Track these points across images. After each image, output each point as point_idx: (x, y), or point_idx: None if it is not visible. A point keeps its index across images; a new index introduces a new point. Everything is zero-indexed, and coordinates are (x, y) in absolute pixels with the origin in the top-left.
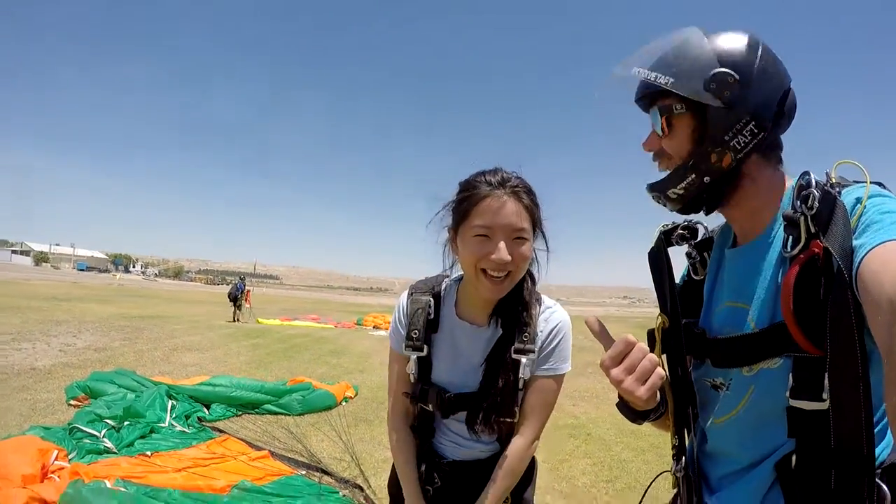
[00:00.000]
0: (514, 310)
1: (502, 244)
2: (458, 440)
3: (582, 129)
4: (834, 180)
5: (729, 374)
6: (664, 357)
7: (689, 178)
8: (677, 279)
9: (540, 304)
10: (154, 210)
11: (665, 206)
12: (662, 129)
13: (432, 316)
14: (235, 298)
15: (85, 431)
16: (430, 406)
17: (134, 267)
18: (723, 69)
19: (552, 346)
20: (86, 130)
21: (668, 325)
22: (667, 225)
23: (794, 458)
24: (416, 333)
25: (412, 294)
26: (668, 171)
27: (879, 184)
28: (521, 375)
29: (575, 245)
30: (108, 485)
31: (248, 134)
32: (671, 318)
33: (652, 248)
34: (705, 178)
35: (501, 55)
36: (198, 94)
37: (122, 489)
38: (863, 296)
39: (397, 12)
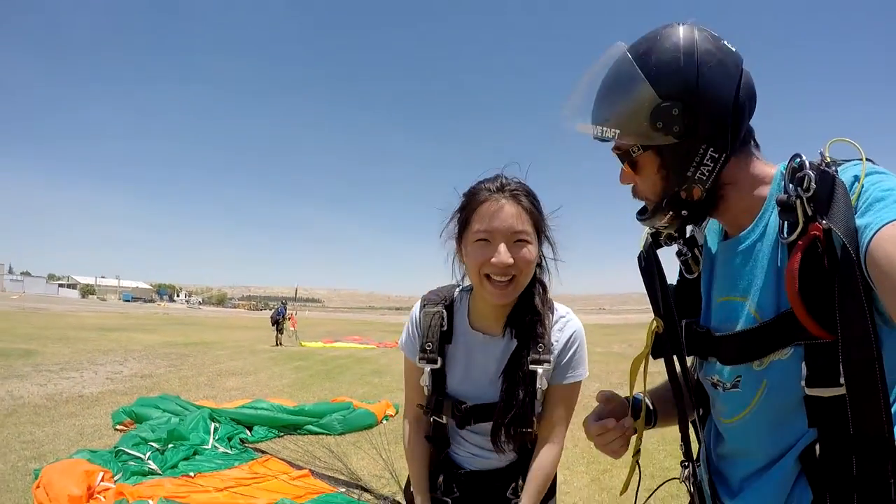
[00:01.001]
0: (528, 320)
1: (502, 246)
2: (474, 450)
3: None
4: (828, 160)
5: (737, 370)
6: (662, 360)
7: (669, 215)
8: (672, 280)
9: (553, 314)
10: (195, 238)
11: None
12: (628, 170)
13: (445, 327)
14: (277, 322)
15: (130, 454)
16: (445, 417)
17: (178, 296)
18: (664, 103)
19: (569, 355)
20: (121, 160)
21: (664, 328)
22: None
23: (817, 447)
24: (429, 346)
25: (424, 306)
26: (650, 206)
27: (869, 160)
28: (538, 386)
29: (616, 255)
30: None
31: (283, 156)
32: (666, 320)
33: (640, 252)
34: (682, 212)
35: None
36: (232, 116)
37: None
38: (877, 278)
39: (431, 24)
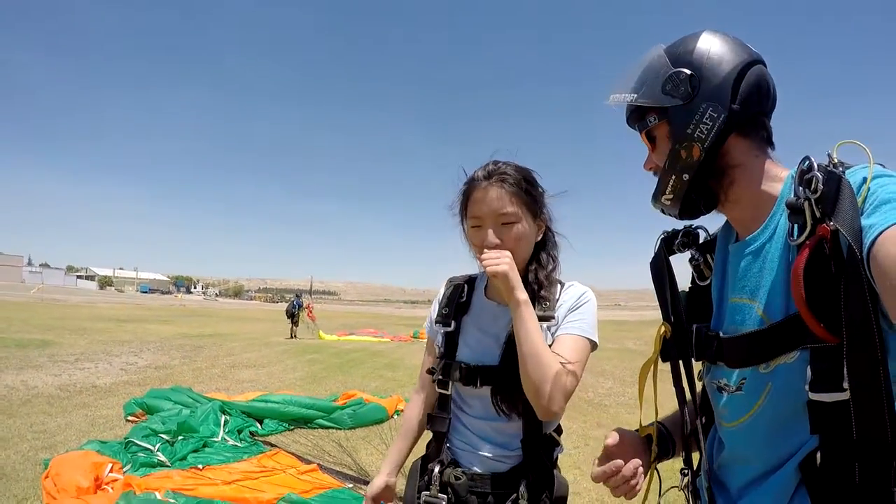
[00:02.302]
0: (534, 288)
1: (490, 230)
2: (473, 441)
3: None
4: (836, 161)
5: (743, 373)
6: (668, 365)
7: (671, 181)
8: (685, 286)
9: (562, 285)
10: (213, 232)
11: (670, 214)
12: (647, 144)
13: (464, 299)
14: (292, 315)
15: (140, 445)
16: (451, 387)
17: (195, 288)
18: (675, 69)
19: (576, 308)
20: (140, 156)
21: (671, 333)
22: (667, 232)
23: (818, 455)
24: (446, 311)
25: (449, 282)
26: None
27: (880, 164)
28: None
29: (633, 251)
30: (159, 496)
31: (300, 152)
32: (675, 326)
33: (653, 258)
34: (684, 177)
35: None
36: (249, 114)
37: (172, 500)
38: (878, 278)
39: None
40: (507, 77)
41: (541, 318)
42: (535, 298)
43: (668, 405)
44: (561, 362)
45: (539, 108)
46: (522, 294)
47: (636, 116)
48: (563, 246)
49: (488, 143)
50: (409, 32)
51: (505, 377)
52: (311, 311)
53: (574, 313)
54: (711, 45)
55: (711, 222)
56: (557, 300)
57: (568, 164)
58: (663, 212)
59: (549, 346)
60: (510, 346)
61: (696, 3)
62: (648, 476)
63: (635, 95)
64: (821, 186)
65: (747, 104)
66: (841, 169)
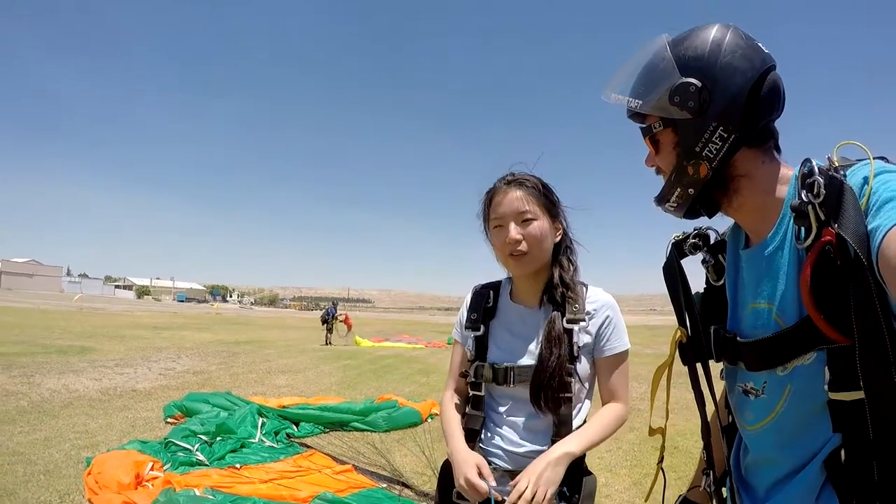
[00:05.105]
0: (561, 291)
1: (512, 226)
2: (504, 438)
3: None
4: (836, 164)
5: (762, 377)
6: (685, 368)
7: (676, 192)
8: (700, 287)
9: (586, 288)
10: (248, 241)
11: (673, 215)
12: (650, 147)
13: (491, 304)
14: (327, 321)
15: (179, 445)
16: (483, 388)
17: (231, 296)
18: (684, 79)
19: (607, 325)
20: (176, 166)
21: (688, 337)
22: (678, 236)
23: (842, 452)
24: (474, 316)
25: (475, 289)
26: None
27: (883, 158)
28: (575, 341)
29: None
30: (198, 493)
31: (335, 161)
32: (691, 329)
33: (665, 263)
34: (689, 191)
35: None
36: (280, 123)
37: (211, 497)
38: (888, 279)
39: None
40: (542, 81)
41: (572, 321)
42: (564, 300)
43: (678, 409)
44: (616, 402)
45: (576, 110)
46: (564, 449)
47: (640, 117)
48: (590, 252)
49: (520, 148)
50: (443, 39)
51: (543, 376)
52: (347, 319)
53: (608, 330)
54: (722, 51)
55: (720, 222)
56: (585, 305)
57: (594, 172)
58: (665, 211)
59: (594, 360)
60: (545, 342)
61: None
62: (654, 477)
63: (640, 102)
64: (823, 191)
65: (759, 119)
66: (842, 173)
